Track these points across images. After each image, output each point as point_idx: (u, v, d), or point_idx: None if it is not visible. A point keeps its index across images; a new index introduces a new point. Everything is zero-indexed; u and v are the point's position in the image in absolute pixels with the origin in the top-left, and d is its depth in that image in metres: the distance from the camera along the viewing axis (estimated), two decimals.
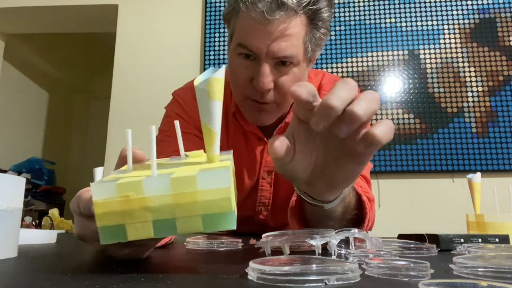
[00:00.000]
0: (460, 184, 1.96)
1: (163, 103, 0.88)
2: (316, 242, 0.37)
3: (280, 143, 0.36)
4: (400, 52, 2.13)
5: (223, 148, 0.40)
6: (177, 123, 0.38)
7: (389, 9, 2.19)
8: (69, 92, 4.22)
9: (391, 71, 2.11)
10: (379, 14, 2.19)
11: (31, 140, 3.61)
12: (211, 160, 0.34)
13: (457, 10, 2.15)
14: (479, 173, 0.87)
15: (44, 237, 0.58)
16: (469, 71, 2.07)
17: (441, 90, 2.06)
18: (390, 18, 2.18)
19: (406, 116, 2.05)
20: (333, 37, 2.17)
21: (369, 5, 2.20)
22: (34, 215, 2.81)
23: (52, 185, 3.26)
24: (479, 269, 0.27)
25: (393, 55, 2.13)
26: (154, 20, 2.39)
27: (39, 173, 3.13)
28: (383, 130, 0.33)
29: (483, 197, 0.86)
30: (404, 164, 2.00)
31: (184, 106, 0.82)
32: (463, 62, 2.08)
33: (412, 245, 0.44)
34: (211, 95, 0.32)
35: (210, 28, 2.28)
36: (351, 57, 2.14)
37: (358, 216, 0.56)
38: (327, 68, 2.14)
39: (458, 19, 2.13)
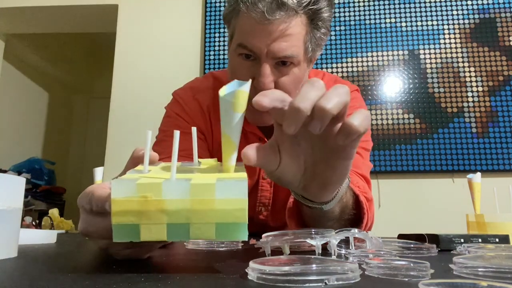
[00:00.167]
0: (460, 184, 1.96)
1: (163, 103, 0.88)
2: (316, 242, 0.37)
3: (252, 151, 0.36)
4: (400, 52, 2.13)
5: None
6: (194, 129, 0.39)
7: (389, 9, 2.19)
8: (69, 92, 4.22)
9: (391, 71, 2.11)
10: (379, 14, 2.19)
11: (31, 140, 3.61)
12: (227, 170, 0.35)
13: (457, 10, 2.15)
14: (479, 173, 0.87)
15: (44, 237, 0.57)
16: (469, 71, 2.07)
17: (441, 90, 2.06)
18: (390, 18, 2.18)
19: (406, 116, 2.05)
20: (333, 37, 2.17)
21: (369, 5, 2.20)
22: (34, 215, 2.81)
23: (52, 185, 3.26)
24: (479, 269, 0.27)
25: (393, 55, 2.13)
26: (154, 20, 2.39)
27: (39, 173, 3.14)
28: (359, 119, 0.34)
29: (483, 197, 0.86)
30: (404, 164, 2.00)
31: (184, 106, 0.82)
32: (463, 62, 2.08)
33: (412, 245, 0.44)
34: (235, 107, 0.34)
35: (210, 28, 2.28)
36: (351, 57, 2.14)
37: (356, 216, 0.56)
38: (327, 68, 2.14)
39: (458, 19, 2.13)
